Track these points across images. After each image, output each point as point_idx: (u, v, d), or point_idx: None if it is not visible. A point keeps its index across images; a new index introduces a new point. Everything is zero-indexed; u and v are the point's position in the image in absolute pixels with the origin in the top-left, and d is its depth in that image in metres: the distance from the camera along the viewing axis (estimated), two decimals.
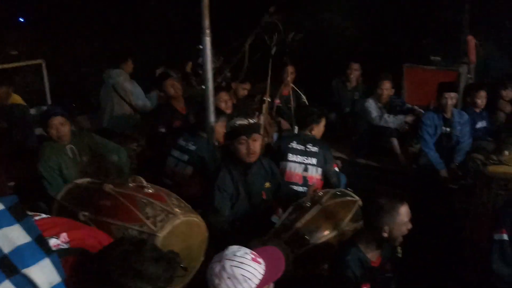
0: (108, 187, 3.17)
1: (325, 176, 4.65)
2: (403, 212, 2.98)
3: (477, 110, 6.12)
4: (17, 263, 1.87)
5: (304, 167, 4.58)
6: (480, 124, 6.13)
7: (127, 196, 3.14)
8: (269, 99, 5.75)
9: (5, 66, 6.87)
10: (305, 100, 6.60)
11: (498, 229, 3.42)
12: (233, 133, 3.86)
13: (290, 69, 6.94)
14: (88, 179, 3.57)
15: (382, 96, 6.38)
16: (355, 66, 7.37)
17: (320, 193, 3.93)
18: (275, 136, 5.70)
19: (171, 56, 8.33)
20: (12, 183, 4.51)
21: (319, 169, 4.59)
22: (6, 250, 1.88)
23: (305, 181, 4.53)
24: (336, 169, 4.81)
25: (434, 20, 7.29)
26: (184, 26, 7.77)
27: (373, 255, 3.11)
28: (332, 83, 7.47)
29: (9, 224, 1.95)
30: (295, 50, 6.41)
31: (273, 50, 5.59)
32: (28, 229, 1.98)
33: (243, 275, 2.20)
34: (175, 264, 2.07)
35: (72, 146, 4.45)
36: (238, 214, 3.89)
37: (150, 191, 3.28)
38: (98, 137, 4.84)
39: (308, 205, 3.79)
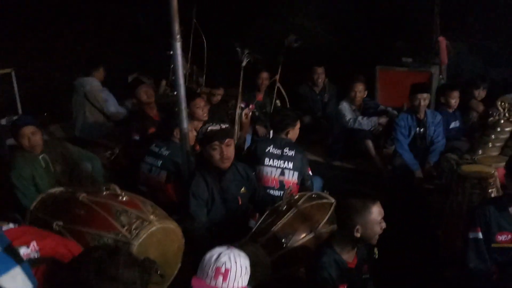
0: (82, 196, 3.14)
1: (301, 179, 4.64)
2: (375, 211, 2.96)
3: (450, 110, 6.18)
4: None
5: (280, 171, 4.58)
6: (454, 124, 6.19)
7: (102, 204, 3.11)
8: (242, 105, 5.74)
9: None
10: (280, 103, 6.60)
11: (473, 228, 3.46)
12: (206, 139, 3.82)
13: (264, 75, 6.95)
14: (61, 188, 3.52)
15: (355, 99, 6.40)
16: (320, 69, 7.36)
17: (296, 197, 3.94)
18: (248, 138, 5.67)
19: (143, 62, 8.27)
20: None
21: (296, 173, 4.59)
22: None
23: (281, 185, 4.53)
24: (310, 172, 4.81)
25: (406, 22, 7.34)
26: (155, 32, 7.73)
27: (349, 256, 3.10)
28: (299, 89, 7.45)
29: None
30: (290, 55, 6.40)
31: (244, 62, 5.60)
32: None
33: (247, 268, 2.62)
34: (150, 269, 2.05)
35: (44, 155, 4.39)
36: (214, 220, 3.87)
37: (125, 198, 3.25)
38: (71, 145, 4.78)
39: (284, 209, 3.78)
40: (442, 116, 5.89)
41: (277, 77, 6.20)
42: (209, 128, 3.83)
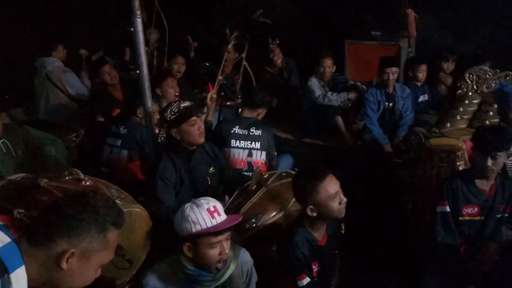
0: (43, 181, 3.03)
1: (268, 159, 4.60)
2: (324, 188, 2.87)
3: (419, 84, 6.22)
4: None
5: (248, 152, 4.52)
6: (422, 98, 6.23)
7: (64, 190, 3.00)
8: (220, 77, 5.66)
9: None
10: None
11: (440, 202, 3.48)
12: (182, 116, 3.72)
13: (228, 47, 6.87)
14: (22, 174, 3.41)
15: (324, 74, 6.39)
16: (277, 50, 7.20)
17: (265, 176, 3.91)
18: (215, 115, 5.60)
19: (106, 41, 8.09)
20: None
21: (263, 153, 4.53)
22: None
23: (250, 167, 4.46)
24: (275, 152, 4.76)
25: None
26: (118, 8, 7.55)
27: (319, 234, 3.09)
28: (259, 78, 7.18)
29: None
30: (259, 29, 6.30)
31: (231, 44, 5.54)
32: None
33: (189, 215, 2.58)
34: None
35: (5, 140, 4.25)
36: (184, 201, 3.80)
37: (88, 183, 3.16)
38: (33, 129, 4.64)
39: (254, 188, 3.76)
40: (410, 89, 5.91)
41: (244, 55, 6.11)
42: (182, 105, 3.75)
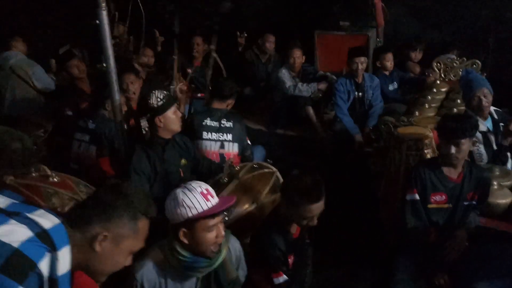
0: (9, 179, 3.02)
1: (241, 150, 4.60)
2: (309, 209, 2.90)
3: (387, 73, 6.25)
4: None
5: (220, 144, 4.52)
6: (392, 87, 6.27)
7: (31, 187, 3.01)
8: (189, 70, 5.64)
9: None
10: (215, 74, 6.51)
11: (409, 190, 3.53)
12: (164, 106, 3.75)
13: (197, 40, 6.84)
14: None
15: (294, 65, 6.40)
16: (271, 38, 7.24)
17: (237, 168, 3.92)
18: (186, 107, 5.58)
19: (72, 33, 7.96)
20: None
21: (236, 144, 4.54)
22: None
23: (222, 159, 4.45)
24: (249, 142, 4.78)
25: None
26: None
27: (293, 227, 3.12)
28: (245, 55, 7.32)
29: None
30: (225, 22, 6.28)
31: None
32: None
33: (183, 200, 2.55)
34: None
35: None
36: (157, 194, 3.80)
37: (56, 179, 3.16)
38: None
39: (225, 181, 3.77)
40: (379, 79, 5.96)
41: (212, 47, 6.09)
42: (161, 95, 3.77)
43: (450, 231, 3.44)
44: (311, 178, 2.94)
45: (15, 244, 1.71)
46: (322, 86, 6.37)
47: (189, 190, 2.59)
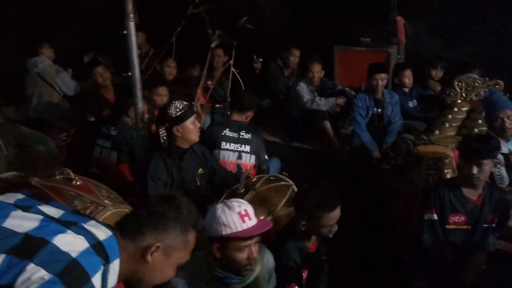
0: (35, 180, 3.04)
1: (258, 162, 4.60)
2: (328, 217, 2.92)
3: (406, 90, 6.22)
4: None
5: (238, 154, 4.52)
6: (411, 104, 6.23)
7: (54, 189, 3.02)
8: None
9: None
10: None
11: (427, 209, 3.48)
12: (183, 116, 3.78)
13: (218, 52, 6.85)
14: (13, 173, 3.41)
15: (313, 79, 6.40)
16: (296, 52, 7.19)
17: (254, 179, 3.90)
18: (208, 120, 5.60)
19: (98, 42, 8.05)
20: None
21: (253, 156, 4.55)
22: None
23: (239, 169, 4.46)
24: (266, 156, 4.77)
25: (363, 1, 7.32)
26: (110, 10, 7.52)
27: (310, 242, 3.11)
28: (269, 67, 7.29)
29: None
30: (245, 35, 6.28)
31: (214, 44, 5.52)
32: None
33: (220, 217, 2.56)
34: None
35: None
36: None
37: (79, 183, 3.19)
38: (24, 128, 4.68)
39: (242, 192, 3.75)
40: (399, 96, 5.92)
41: (231, 62, 6.10)
42: (180, 105, 3.80)
43: (468, 253, 3.40)
44: (321, 189, 2.96)
45: (74, 254, 1.73)
46: (341, 101, 6.35)
47: (228, 208, 2.60)
